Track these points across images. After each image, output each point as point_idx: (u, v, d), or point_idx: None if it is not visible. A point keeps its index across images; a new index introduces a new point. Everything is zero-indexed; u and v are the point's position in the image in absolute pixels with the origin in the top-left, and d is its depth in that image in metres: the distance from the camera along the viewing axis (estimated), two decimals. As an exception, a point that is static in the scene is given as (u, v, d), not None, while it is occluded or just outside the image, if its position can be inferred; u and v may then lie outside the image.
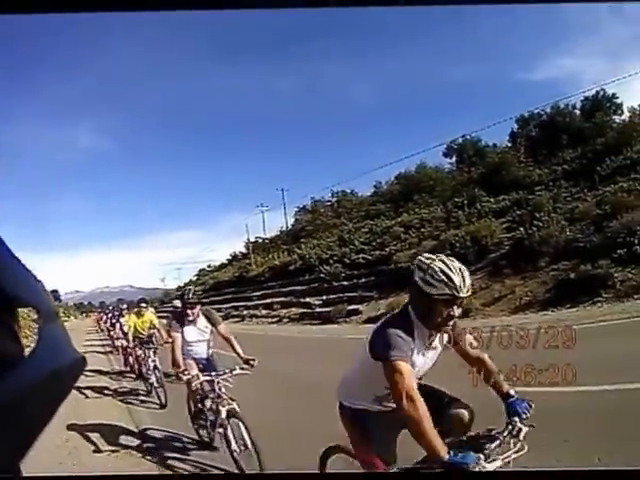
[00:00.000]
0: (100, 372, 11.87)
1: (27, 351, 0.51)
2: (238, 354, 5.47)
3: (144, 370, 9.63)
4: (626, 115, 25.40)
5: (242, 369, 5.29)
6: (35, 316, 0.55)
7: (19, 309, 0.55)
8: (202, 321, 5.95)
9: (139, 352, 10.06)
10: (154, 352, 9.31)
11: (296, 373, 9.15)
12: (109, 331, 17.45)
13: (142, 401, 9.10)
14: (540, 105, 28.95)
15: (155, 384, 8.81)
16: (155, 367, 8.95)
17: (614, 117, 25.71)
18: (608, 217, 15.64)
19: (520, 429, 2.45)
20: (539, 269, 16.02)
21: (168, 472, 5.27)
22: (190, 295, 5.86)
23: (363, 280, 22.04)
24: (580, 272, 13.81)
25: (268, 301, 27.47)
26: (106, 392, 9.98)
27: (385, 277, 20.40)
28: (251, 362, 5.29)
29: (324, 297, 22.83)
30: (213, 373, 5.44)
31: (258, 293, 29.64)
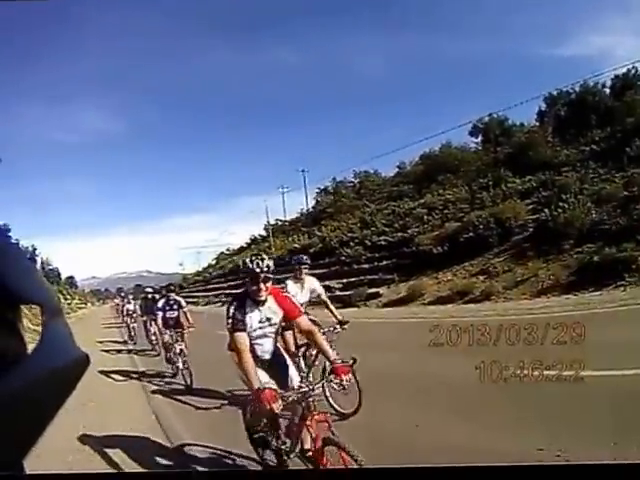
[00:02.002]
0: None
1: (30, 348, 0.51)
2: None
3: None
4: (659, 93, 24.63)
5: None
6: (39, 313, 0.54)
7: (22, 305, 0.55)
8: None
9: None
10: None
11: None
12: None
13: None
14: (569, 83, 28.25)
15: None
16: None
17: (646, 95, 24.96)
18: (635, 199, 15.23)
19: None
20: (563, 252, 15.72)
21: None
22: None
23: (384, 263, 21.90)
24: (604, 255, 13.51)
25: (288, 283, 27.53)
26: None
27: (406, 259, 20.28)
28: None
29: (344, 280, 22.74)
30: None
31: (277, 277, 29.71)
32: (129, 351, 14.82)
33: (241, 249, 46.19)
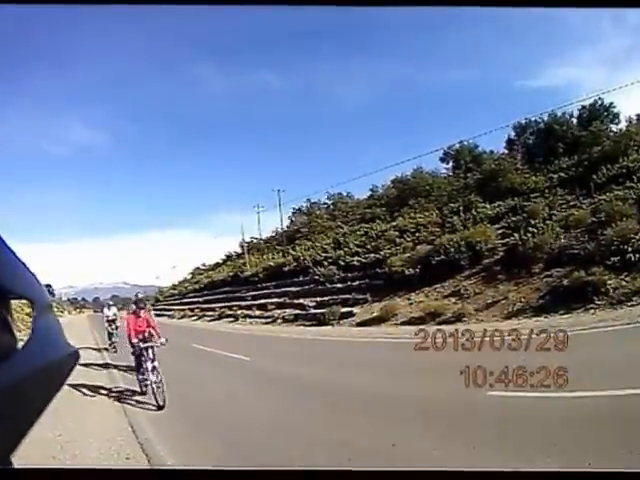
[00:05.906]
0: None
1: (21, 343, 0.51)
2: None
3: None
4: (623, 124, 25.51)
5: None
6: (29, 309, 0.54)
7: (13, 301, 0.54)
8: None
9: None
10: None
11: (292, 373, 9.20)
12: None
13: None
14: (538, 113, 29.06)
15: None
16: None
17: (611, 126, 25.81)
18: (603, 225, 15.64)
19: None
20: (533, 275, 16.00)
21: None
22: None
23: (357, 283, 21.97)
24: (573, 279, 13.78)
25: (262, 301, 27.42)
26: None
27: (379, 280, 20.39)
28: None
29: (318, 299, 22.75)
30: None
31: (252, 293, 29.64)
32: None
33: (216, 265, 45.84)
